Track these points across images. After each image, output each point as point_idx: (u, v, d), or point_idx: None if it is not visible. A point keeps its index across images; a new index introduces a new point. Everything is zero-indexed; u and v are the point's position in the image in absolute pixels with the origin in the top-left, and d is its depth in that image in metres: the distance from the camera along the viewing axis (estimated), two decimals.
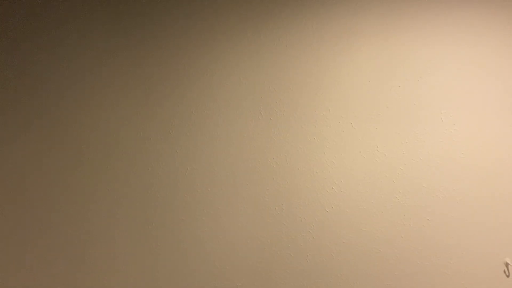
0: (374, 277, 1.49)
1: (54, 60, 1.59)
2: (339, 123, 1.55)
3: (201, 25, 1.60)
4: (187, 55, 1.58)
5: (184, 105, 1.56)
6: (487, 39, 1.58)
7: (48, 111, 1.56)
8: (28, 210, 1.52)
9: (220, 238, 1.51)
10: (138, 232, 1.49)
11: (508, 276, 1.47)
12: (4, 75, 1.59)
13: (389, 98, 1.55)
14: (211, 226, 1.51)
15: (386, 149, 1.53)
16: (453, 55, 1.57)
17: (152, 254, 1.49)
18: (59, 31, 1.60)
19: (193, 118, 1.55)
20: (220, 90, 1.57)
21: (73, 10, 1.61)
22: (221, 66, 1.58)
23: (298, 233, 1.50)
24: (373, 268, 1.49)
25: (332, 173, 1.52)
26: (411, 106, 1.55)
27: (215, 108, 1.56)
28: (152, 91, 1.57)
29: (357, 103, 1.55)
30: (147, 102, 1.56)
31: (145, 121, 1.55)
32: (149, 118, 1.55)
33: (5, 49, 1.60)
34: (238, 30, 1.59)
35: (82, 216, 1.51)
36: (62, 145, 1.54)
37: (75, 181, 1.53)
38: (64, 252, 1.47)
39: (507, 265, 1.47)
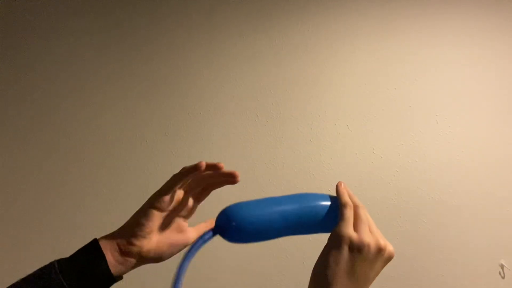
0: None
1: (48, 59, 1.58)
2: (335, 125, 1.55)
3: (197, 26, 1.60)
4: (183, 57, 1.58)
5: (180, 106, 1.56)
6: (483, 41, 1.59)
7: (42, 111, 1.55)
8: (22, 210, 1.50)
9: (215, 240, 1.50)
10: None
11: (503, 277, 1.47)
12: None
13: (385, 101, 1.56)
14: None
15: (382, 151, 1.53)
16: (449, 57, 1.58)
17: None
18: (53, 30, 1.59)
19: (189, 120, 1.55)
20: (216, 92, 1.57)
21: (67, 8, 1.61)
22: (217, 68, 1.58)
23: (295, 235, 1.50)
24: None
25: (328, 175, 1.52)
26: (407, 108, 1.55)
27: (211, 110, 1.56)
28: (148, 93, 1.56)
29: (353, 105, 1.56)
30: (143, 103, 1.56)
31: (141, 122, 1.55)
32: (145, 119, 1.55)
33: None
34: (234, 32, 1.60)
35: (77, 217, 1.49)
36: (57, 146, 1.53)
37: (70, 182, 1.51)
38: (59, 252, 1.46)
39: (502, 266, 1.47)
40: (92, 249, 0.47)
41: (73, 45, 1.59)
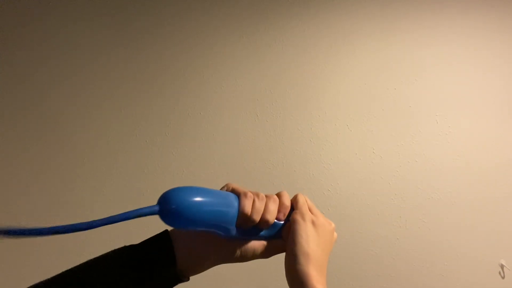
0: (370, 279, 1.49)
1: (46, 56, 1.58)
2: (335, 125, 1.55)
3: (197, 27, 1.60)
4: (183, 57, 1.58)
5: (180, 106, 1.56)
6: (483, 41, 1.59)
7: (39, 110, 1.55)
8: (19, 209, 1.50)
9: None
10: (133, 233, 1.48)
11: (503, 277, 1.47)
12: None
13: (385, 101, 1.56)
14: None
15: (382, 151, 1.53)
16: (448, 57, 1.58)
17: None
18: (51, 25, 1.59)
19: (189, 119, 1.55)
20: (216, 91, 1.57)
21: (68, 6, 1.61)
22: (217, 68, 1.58)
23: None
24: (368, 270, 1.49)
25: (328, 175, 1.52)
26: (407, 108, 1.55)
27: (211, 110, 1.56)
28: (148, 93, 1.56)
29: (353, 105, 1.56)
30: (143, 103, 1.56)
31: (140, 122, 1.55)
32: (145, 119, 1.55)
33: None
34: (234, 31, 1.60)
35: (76, 217, 1.49)
36: (55, 146, 1.53)
37: (68, 182, 1.51)
38: (58, 252, 1.46)
39: (502, 266, 1.47)
40: (165, 238, 0.49)
41: (73, 45, 1.59)
